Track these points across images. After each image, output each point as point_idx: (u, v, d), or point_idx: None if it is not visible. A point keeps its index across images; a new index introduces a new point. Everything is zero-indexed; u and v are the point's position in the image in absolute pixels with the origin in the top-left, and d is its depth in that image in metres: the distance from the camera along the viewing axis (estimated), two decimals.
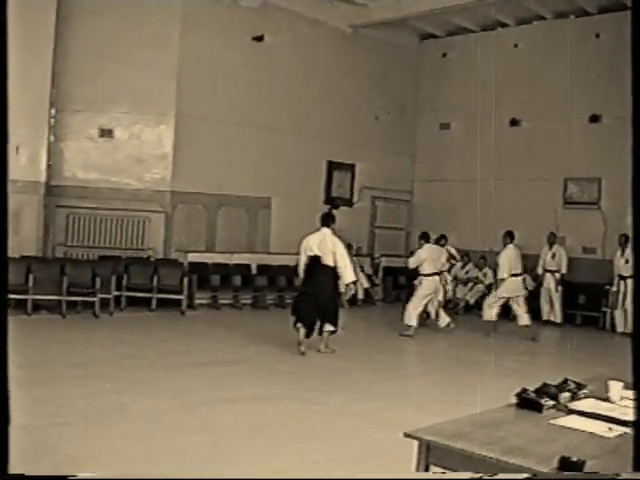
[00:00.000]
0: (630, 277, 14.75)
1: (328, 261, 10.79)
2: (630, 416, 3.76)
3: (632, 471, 2.84)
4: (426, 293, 13.42)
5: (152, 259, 15.51)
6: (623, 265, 14.99)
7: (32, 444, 5.43)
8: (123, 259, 15.04)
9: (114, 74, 15.31)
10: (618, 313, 15.13)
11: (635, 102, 3.03)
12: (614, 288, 15.16)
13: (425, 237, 13.86)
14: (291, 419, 7.22)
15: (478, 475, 3.10)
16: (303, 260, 11.05)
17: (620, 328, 15.04)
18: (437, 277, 13.74)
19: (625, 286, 14.89)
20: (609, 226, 16.58)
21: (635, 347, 3.07)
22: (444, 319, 14.03)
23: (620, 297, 15.00)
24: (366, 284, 17.72)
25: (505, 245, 13.68)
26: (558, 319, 15.90)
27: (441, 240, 14.70)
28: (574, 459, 2.98)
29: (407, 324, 13.10)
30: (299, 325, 10.91)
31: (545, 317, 15.92)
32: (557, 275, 15.93)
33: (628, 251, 14.89)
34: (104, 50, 15.27)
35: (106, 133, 15.69)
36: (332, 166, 18.70)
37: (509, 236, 13.72)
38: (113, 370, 8.94)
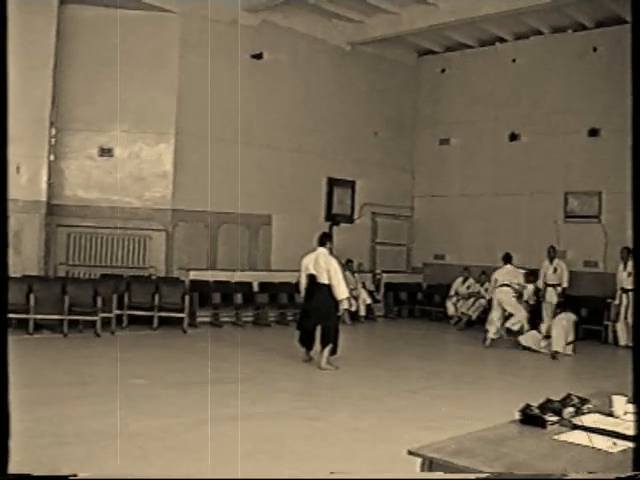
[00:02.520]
0: (633, 290, 14.76)
1: (323, 279, 11.18)
2: (634, 431, 3.75)
3: (632, 471, 2.83)
4: None
5: (153, 277, 15.50)
6: (625, 278, 14.97)
7: (32, 464, 5.39)
8: (125, 278, 15.01)
9: (114, 93, 15.33)
10: (620, 326, 15.10)
11: (635, 113, 3.02)
12: (616, 301, 15.13)
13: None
14: (294, 436, 7.19)
15: (484, 475, 3.08)
16: (303, 278, 11.49)
17: (623, 341, 15.01)
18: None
19: (628, 299, 14.87)
20: (610, 239, 16.57)
21: (635, 354, 3.06)
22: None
23: (622, 310, 14.98)
24: (368, 300, 17.71)
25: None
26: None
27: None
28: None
29: None
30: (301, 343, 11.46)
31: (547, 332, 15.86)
32: (559, 289, 15.90)
33: (630, 264, 14.91)
34: (104, 69, 15.31)
35: (106, 152, 15.72)
36: (332, 183, 18.71)
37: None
38: (115, 389, 8.91)
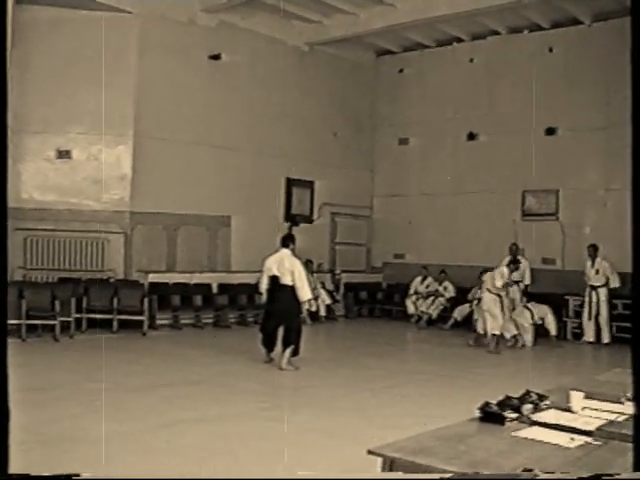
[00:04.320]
0: (601, 287, 15.01)
1: (286, 281, 11.21)
2: (591, 426, 3.80)
3: (632, 471, 2.86)
4: None
5: (112, 280, 15.37)
6: (594, 275, 15.23)
7: None
8: (83, 281, 14.86)
9: (71, 95, 15.22)
10: (587, 323, 15.28)
11: (635, 108, 3.05)
12: (586, 298, 15.31)
13: None
14: (255, 438, 7.18)
15: (456, 475, 3.09)
16: (265, 280, 11.52)
17: (590, 338, 15.25)
18: None
19: (597, 296, 15.12)
20: (568, 237, 16.75)
21: (635, 354, 3.09)
22: None
23: (593, 307, 15.17)
24: (327, 300, 17.72)
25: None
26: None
27: None
28: (536, 471, 2.99)
29: None
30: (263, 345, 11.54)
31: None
32: (521, 285, 16.01)
33: (598, 261, 15.26)
34: (60, 71, 15.19)
35: (64, 154, 15.56)
36: (291, 183, 18.69)
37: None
38: (74, 394, 8.84)
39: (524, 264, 16.00)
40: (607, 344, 14.96)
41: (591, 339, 15.23)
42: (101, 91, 15.25)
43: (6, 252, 3.11)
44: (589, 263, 15.42)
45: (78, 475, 2.96)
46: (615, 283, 14.99)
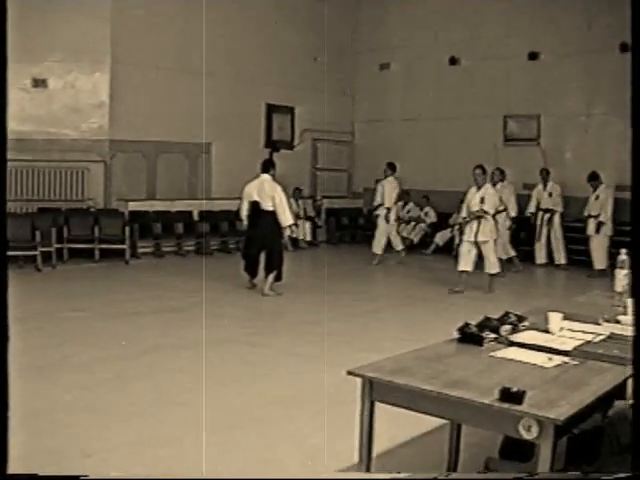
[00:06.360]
0: (552, 211, 15.25)
1: (267, 206, 11.23)
2: (568, 346, 3.83)
3: (632, 471, 2.88)
4: None
5: (92, 210, 15.30)
6: (546, 198, 15.47)
7: None
8: (63, 211, 14.79)
9: (46, 22, 14.90)
10: (538, 246, 15.51)
11: (634, 100, 3.00)
12: (538, 222, 15.47)
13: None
14: (237, 362, 7.26)
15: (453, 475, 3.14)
16: (245, 206, 11.51)
17: (541, 260, 15.52)
18: None
19: (550, 219, 15.37)
20: (549, 162, 16.73)
21: (635, 353, 3.11)
22: None
23: (545, 230, 15.35)
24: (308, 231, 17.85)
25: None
26: (504, 256, 16.10)
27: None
28: (514, 389, 3.03)
29: None
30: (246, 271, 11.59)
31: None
32: (505, 214, 16.05)
33: (550, 184, 15.54)
34: None
35: (40, 83, 15.33)
36: (271, 109, 18.52)
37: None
38: (56, 323, 8.86)
39: (510, 190, 15.94)
40: (561, 266, 15.25)
41: (542, 261, 15.50)
42: (76, 18, 14.97)
43: (6, 244, 3.07)
44: (540, 186, 15.69)
45: (86, 476, 2.98)
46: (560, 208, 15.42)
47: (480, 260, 12.10)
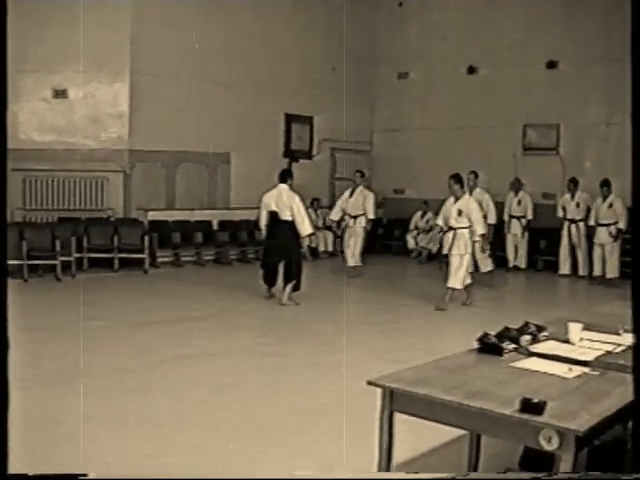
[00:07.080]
0: (581, 221, 14.99)
1: (286, 216, 11.22)
2: (589, 356, 3.81)
3: (631, 471, 2.87)
4: None
5: (112, 219, 15.37)
6: (574, 209, 15.21)
7: None
8: (83, 220, 14.88)
9: (66, 33, 15.00)
10: (564, 256, 15.37)
11: (635, 102, 2.99)
12: (564, 232, 15.30)
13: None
14: (255, 372, 7.26)
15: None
16: (264, 215, 11.54)
17: (565, 270, 15.39)
18: None
19: (577, 230, 15.15)
20: (568, 172, 16.66)
21: (636, 351, 3.09)
22: None
23: (575, 240, 15.18)
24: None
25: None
26: (523, 265, 16.07)
27: None
28: (535, 400, 3.01)
29: None
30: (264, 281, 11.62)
31: (511, 264, 16.07)
32: (523, 221, 16.02)
33: (578, 194, 15.20)
34: (53, 8, 14.91)
35: (60, 93, 15.43)
36: (290, 119, 18.56)
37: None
38: (76, 332, 8.88)
39: (527, 199, 15.98)
40: (584, 277, 15.08)
41: (567, 272, 15.33)
42: (96, 29, 15.04)
43: (5, 245, 3.08)
44: (568, 196, 15.38)
45: (85, 475, 2.98)
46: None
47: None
